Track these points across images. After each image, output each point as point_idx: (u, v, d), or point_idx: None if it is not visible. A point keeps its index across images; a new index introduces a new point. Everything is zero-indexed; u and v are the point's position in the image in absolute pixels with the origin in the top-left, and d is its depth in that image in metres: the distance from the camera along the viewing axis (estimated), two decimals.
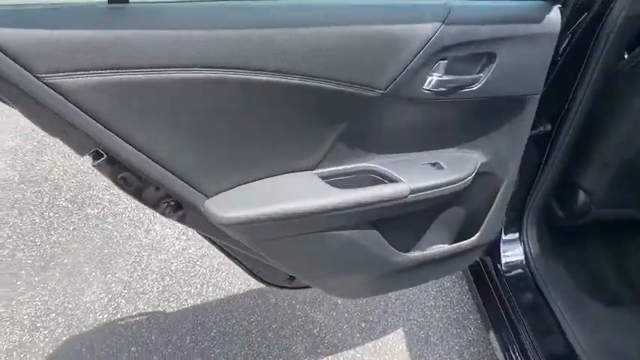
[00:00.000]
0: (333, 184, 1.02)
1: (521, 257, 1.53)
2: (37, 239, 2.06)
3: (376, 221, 1.13)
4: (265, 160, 0.97)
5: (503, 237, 1.55)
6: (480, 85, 1.00)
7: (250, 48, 0.81)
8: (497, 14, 0.95)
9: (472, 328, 1.78)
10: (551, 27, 0.98)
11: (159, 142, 0.84)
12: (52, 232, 2.10)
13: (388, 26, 0.88)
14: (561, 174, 1.44)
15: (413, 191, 1.03)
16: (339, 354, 1.68)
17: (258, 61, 0.82)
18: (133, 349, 1.65)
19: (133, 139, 0.81)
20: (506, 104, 1.08)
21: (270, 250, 1.03)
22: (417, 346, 1.71)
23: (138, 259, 2.00)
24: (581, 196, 1.50)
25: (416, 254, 1.26)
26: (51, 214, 2.20)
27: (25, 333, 1.68)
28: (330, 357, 1.67)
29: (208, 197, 0.94)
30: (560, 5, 1.00)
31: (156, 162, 0.85)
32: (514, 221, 1.54)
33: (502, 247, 1.54)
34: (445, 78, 0.97)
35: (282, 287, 1.37)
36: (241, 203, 0.94)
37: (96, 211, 2.22)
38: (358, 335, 1.74)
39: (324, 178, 1.02)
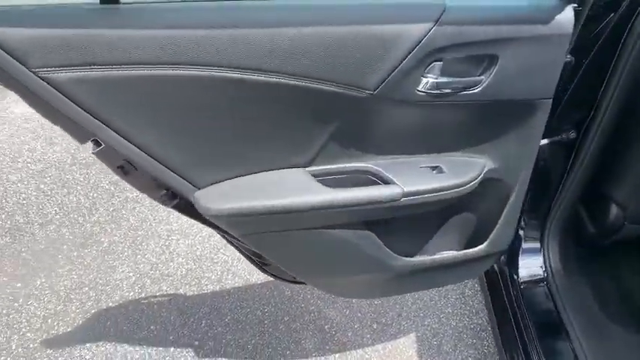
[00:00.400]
0: (326, 183, 1.02)
1: (541, 271, 1.44)
2: (80, 218, 2.22)
3: (373, 223, 1.12)
4: (255, 156, 0.98)
5: (524, 246, 1.47)
6: (481, 88, 0.95)
7: (238, 48, 0.83)
8: (499, 14, 0.90)
9: (489, 340, 1.70)
10: (561, 28, 0.91)
11: (148, 134, 0.88)
12: (94, 212, 2.26)
13: (377, 26, 0.86)
14: (589, 184, 1.34)
15: (406, 194, 1.01)
16: (347, 352, 1.67)
17: (247, 60, 0.84)
18: (152, 327, 1.74)
19: (122, 130, 0.86)
20: (513, 109, 1.02)
21: (258, 244, 1.05)
22: (427, 353, 1.67)
23: (167, 243, 2.10)
24: (614, 209, 1.39)
25: (419, 259, 1.22)
26: (95, 194, 2.36)
27: (60, 303, 1.82)
28: (337, 355, 1.67)
29: (199, 189, 0.97)
30: (576, 5, 0.93)
31: (146, 153, 0.89)
32: (535, 231, 1.45)
33: (521, 258, 1.46)
34: (441, 80, 0.93)
35: (287, 281, 1.38)
36: (229, 196, 0.96)
37: (134, 194, 2.36)
38: (369, 336, 1.73)
39: (315, 175, 1.03)
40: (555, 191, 1.37)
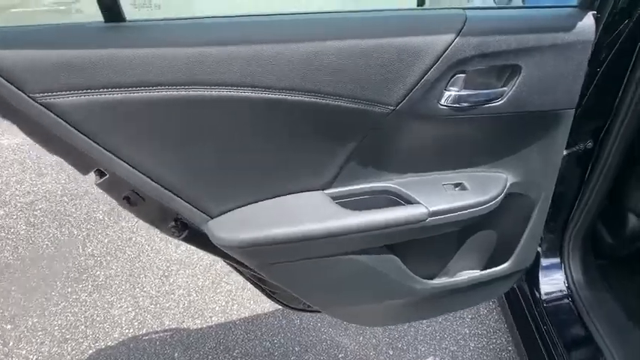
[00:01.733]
0: (346, 205, 0.96)
1: (563, 286, 1.39)
2: (73, 251, 2.12)
3: (395, 246, 1.06)
4: (272, 179, 0.92)
5: (543, 262, 1.42)
6: (504, 100, 0.91)
7: (250, 65, 0.77)
8: (520, 23, 0.86)
9: None
10: (583, 35, 0.88)
11: (157, 160, 0.81)
12: (88, 244, 2.16)
13: (398, 39, 0.81)
14: (607, 196, 1.31)
15: (432, 214, 0.95)
16: None
17: (261, 78, 0.78)
18: None
19: (131, 158, 0.79)
20: (537, 120, 0.98)
21: (276, 275, 0.98)
22: None
23: (166, 274, 2.01)
24: (632, 220, 1.36)
25: (442, 281, 1.17)
26: (88, 226, 2.27)
27: (55, 344, 1.71)
28: None
29: (212, 218, 0.91)
30: (595, 12, 0.90)
31: (155, 181, 0.83)
32: (554, 246, 1.41)
33: (541, 274, 1.41)
34: (464, 93, 0.89)
35: (297, 309, 1.31)
36: (245, 225, 0.90)
37: (130, 224, 2.27)
38: None
39: (335, 198, 0.97)
40: (573, 204, 1.33)
